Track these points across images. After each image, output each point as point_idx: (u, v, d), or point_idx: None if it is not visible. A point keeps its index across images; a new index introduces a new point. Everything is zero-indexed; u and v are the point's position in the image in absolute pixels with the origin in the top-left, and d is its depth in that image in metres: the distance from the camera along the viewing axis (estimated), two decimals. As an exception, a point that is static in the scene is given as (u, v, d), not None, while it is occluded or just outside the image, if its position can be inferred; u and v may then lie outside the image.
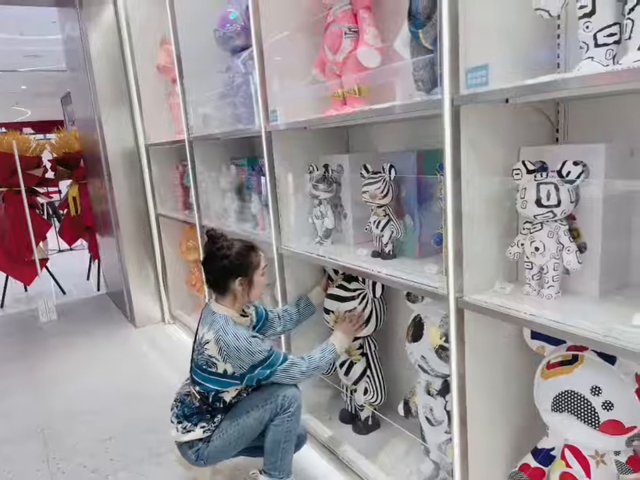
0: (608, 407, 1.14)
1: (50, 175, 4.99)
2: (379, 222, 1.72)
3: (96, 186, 4.40)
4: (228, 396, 1.81)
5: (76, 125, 5.06)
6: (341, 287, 2.01)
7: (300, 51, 1.95)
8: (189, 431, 1.81)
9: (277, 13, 1.92)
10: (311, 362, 1.78)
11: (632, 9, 0.96)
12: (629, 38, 0.98)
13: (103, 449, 2.36)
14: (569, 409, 1.19)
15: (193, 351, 1.86)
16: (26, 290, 5.21)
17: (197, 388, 1.82)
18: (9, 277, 4.86)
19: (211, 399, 1.80)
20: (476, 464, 1.42)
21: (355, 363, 2.05)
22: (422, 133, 1.81)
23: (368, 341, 2.06)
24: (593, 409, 1.15)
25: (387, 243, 1.72)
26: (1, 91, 11.54)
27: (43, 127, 11.87)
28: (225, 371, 1.74)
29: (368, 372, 2.04)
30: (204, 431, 1.80)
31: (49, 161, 4.98)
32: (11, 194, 4.59)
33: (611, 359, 1.16)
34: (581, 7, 1.05)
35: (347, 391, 2.17)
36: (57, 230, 5.87)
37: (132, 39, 3.55)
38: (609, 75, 0.94)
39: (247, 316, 1.91)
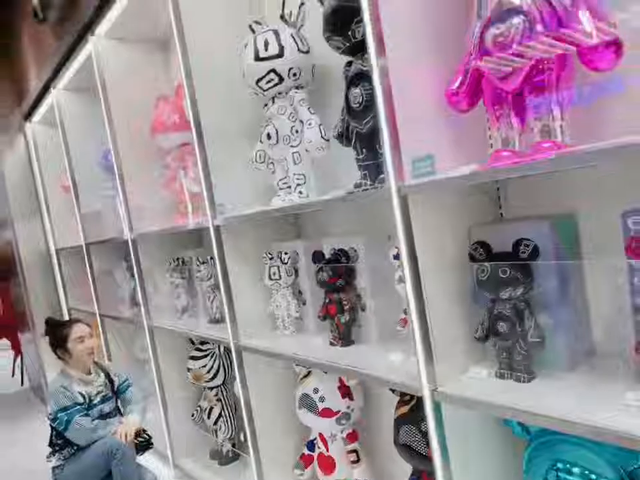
0: (322, 400, 1.82)
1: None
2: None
3: (13, 286, 4.87)
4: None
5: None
6: (196, 349, 2.64)
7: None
8: (49, 460, 2.44)
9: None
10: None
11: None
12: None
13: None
14: (304, 405, 1.87)
15: None
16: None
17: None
18: None
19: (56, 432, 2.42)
20: (270, 465, 2.07)
21: (214, 407, 2.65)
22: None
23: (221, 389, 2.67)
24: (314, 402, 1.83)
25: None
26: None
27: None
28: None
29: (223, 413, 2.64)
30: (56, 460, 2.44)
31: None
32: None
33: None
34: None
35: (212, 432, 2.73)
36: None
37: (40, 162, 4.25)
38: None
39: (90, 374, 2.56)
